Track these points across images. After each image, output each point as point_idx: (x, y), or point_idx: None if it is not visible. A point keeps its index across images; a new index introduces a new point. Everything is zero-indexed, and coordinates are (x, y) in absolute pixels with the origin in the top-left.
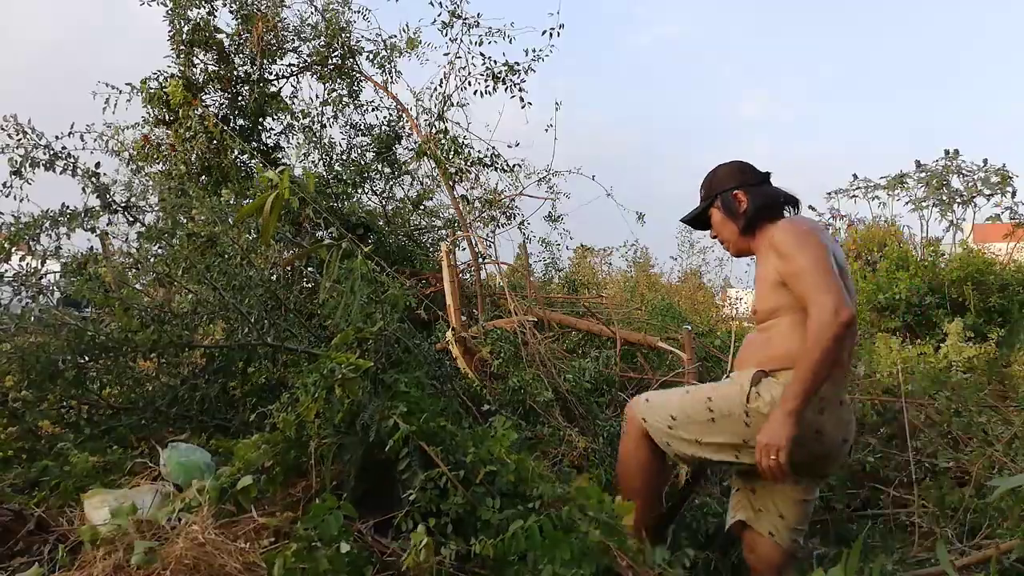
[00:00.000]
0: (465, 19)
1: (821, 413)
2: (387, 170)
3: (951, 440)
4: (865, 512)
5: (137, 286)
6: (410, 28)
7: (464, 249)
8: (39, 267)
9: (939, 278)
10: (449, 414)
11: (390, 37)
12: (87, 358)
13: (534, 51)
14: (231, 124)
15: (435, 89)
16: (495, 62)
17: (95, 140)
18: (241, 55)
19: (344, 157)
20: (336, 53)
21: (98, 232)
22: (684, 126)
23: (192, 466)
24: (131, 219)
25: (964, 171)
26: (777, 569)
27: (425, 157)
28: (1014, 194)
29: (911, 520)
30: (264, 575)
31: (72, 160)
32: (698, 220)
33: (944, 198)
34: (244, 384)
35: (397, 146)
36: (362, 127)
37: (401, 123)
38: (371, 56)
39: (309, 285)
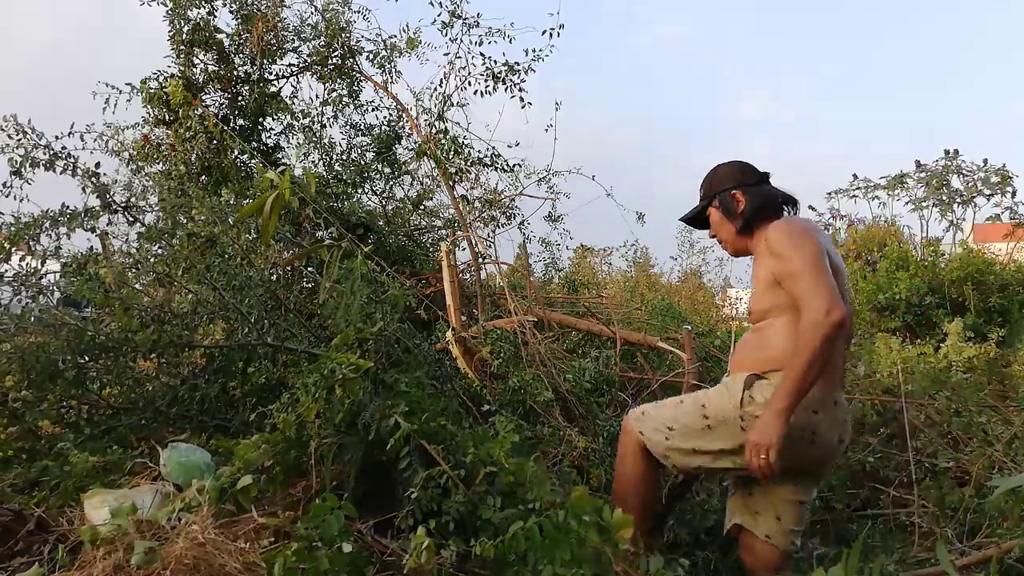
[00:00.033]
0: (465, 19)
1: (816, 414)
2: (387, 170)
3: (951, 440)
4: (865, 512)
5: (137, 286)
6: (410, 28)
7: (464, 249)
8: (39, 267)
9: (939, 278)
10: (449, 414)
11: (390, 37)
12: (87, 358)
13: (534, 51)
14: (231, 124)
15: (435, 89)
16: (495, 62)
17: (95, 140)
18: (241, 55)
19: (344, 157)
20: (336, 53)
21: (98, 232)
22: (684, 126)
23: (192, 466)
24: (131, 219)
25: (964, 171)
26: (774, 570)
27: (425, 157)
28: (1014, 194)
29: (911, 520)
30: (264, 575)
31: (72, 160)
32: (697, 219)
33: (944, 198)
34: (244, 384)
35: (397, 146)
36: (362, 127)
37: (401, 123)
38: (371, 56)
39: (309, 285)
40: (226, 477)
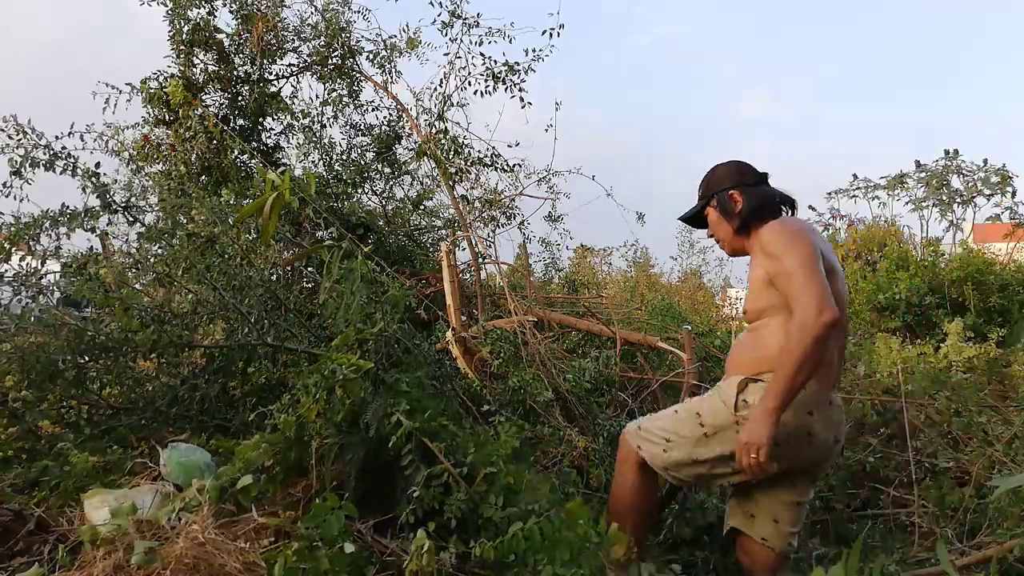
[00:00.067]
0: (465, 19)
1: (811, 415)
2: (387, 170)
3: (951, 440)
4: (865, 512)
5: (137, 286)
6: (410, 28)
7: (464, 249)
8: (39, 267)
9: (939, 278)
10: (450, 414)
11: (390, 37)
12: (87, 358)
13: (534, 51)
14: (231, 124)
15: (435, 89)
16: (495, 62)
17: (95, 140)
18: (241, 55)
19: (344, 157)
20: (336, 53)
21: (98, 232)
22: (684, 126)
23: (192, 466)
24: (131, 219)
25: (964, 171)
26: (771, 571)
27: (425, 157)
28: (1014, 194)
29: (911, 520)
30: (264, 575)
31: (72, 160)
32: (696, 219)
33: (944, 198)
34: (244, 384)
35: (397, 146)
36: (362, 127)
37: (401, 123)
38: (371, 56)
39: (309, 285)
40: (226, 477)
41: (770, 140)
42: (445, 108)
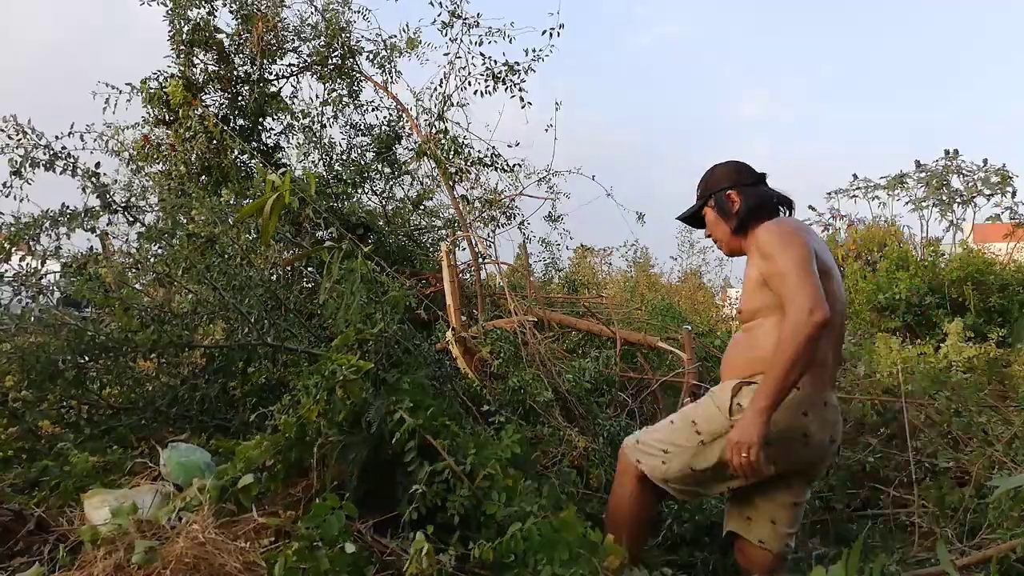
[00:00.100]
0: (465, 19)
1: (805, 415)
2: (387, 170)
3: (951, 440)
4: (865, 512)
5: (137, 286)
6: (410, 28)
7: (464, 249)
8: (39, 267)
9: (939, 278)
10: (450, 414)
11: (390, 37)
12: (87, 358)
13: (534, 51)
14: (231, 124)
15: (435, 89)
16: (495, 62)
17: (95, 140)
18: (241, 55)
19: (344, 157)
20: (336, 53)
21: (98, 232)
22: (684, 126)
23: (192, 466)
24: (131, 219)
25: (964, 171)
26: (769, 572)
27: (425, 157)
28: (1014, 194)
29: (911, 520)
30: (264, 575)
31: (72, 160)
32: (694, 218)
33: (944, 198)
34: (244, 384)
35: (397, 146)
36: (362, 127)
37: (401, 123)
38: (371, 56)
39: (309, 285)
40: (227, 476)
41: (770, 140)
42: (445, 108)
